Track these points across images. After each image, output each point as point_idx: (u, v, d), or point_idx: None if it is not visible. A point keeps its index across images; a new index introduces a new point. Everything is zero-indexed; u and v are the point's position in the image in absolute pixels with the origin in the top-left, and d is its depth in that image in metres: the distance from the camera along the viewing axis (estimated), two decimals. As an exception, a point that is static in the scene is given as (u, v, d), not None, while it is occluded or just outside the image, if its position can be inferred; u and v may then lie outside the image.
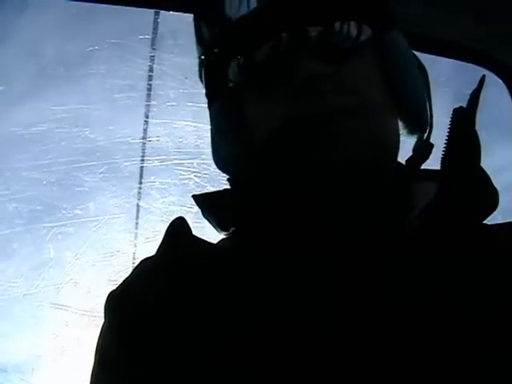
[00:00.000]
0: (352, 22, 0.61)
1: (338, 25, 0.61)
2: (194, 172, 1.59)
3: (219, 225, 0.67)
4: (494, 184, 0.64)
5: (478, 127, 0.63)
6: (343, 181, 0.58)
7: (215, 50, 0.66)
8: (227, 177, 0.71)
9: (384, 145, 0.62)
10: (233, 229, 0.65)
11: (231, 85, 0.66)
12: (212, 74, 0.68)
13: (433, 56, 1.25)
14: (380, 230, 0.59)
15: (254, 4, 0.61)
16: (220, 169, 0.71)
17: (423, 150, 0.67)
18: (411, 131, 0.67)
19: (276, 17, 0.60)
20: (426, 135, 0.67)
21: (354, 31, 0.62)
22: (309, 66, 0.59)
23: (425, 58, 0.69)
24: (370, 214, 0.59)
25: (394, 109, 0.64)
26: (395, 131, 0.65)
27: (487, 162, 0.64)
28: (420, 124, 0.67)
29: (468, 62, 1.33)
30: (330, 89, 0.59)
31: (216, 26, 0.65)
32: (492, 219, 0.65)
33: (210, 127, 0.71)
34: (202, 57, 0.69)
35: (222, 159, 0.70)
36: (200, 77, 0.71)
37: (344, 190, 0.58)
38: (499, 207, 0.63)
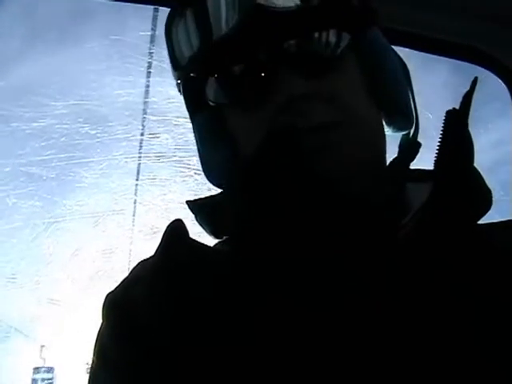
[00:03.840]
0: (325, 31, 0.61)
1: (312, 36, 0.61)
2: (194, 169, 1.59)
3: (212, 232, 0.67)
4: (488, 183, 0.64)
5: (476, 127, 0.64)
6: (331, 191, 0.58)
7: (193, 70, 0.66)
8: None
9: (370, 152, 0.62)
10: (226, 237, 0.66)
11: (211, 103, 0.66)
12: (190, 92, 0.68)
13: (432, 56, 1.25)
14: (374, 233, 0.59)
15: (230, 23, 0.60)
16: (209, 180, 0.71)
17: (410, 148, 0.67)
18: (396, 130, 0.67)
19: (252, 35, 0.60)
20: (412, 133, 0.67)
21: (331, 40, 0.61)
22: (289, 84, 0.59)
23: (424, 57, 0.69)
24: (364, 218, 0.59)
25: (378, 110, 0.64)
26: (380, 135, 0.65)
27: (486, 158, 0.64)
28: (404, 122, 0.67)
29: (467, 61, 1.33)
30: (313, 105, 0.59)
31: (194, 44, 0.64)
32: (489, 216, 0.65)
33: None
34: (178, 80, 0.69)
35: (208, 172, 0.70)
36: (179, 91, 0.71)
37: (336, 198, 0.59)
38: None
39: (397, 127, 0.66)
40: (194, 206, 0.68)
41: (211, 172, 0.69)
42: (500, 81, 1.35)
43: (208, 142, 0.68)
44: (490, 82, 1.32)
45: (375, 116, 0.64)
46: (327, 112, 0.59)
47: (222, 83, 0.63)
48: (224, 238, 0.66)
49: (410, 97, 0.67)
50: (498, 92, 1.34)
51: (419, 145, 0.67)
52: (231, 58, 0.61)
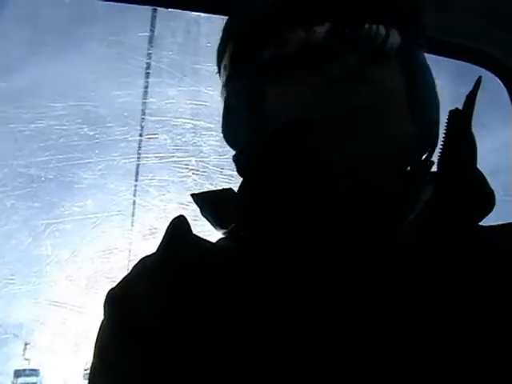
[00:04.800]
0: (391, 28, 0.62)
1: (376, 27, 0.61)
2: (192, 170, 1.59)
3: (218, 222, 0.67)
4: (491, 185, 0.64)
5: (476, 126, 0.63)
6: (350, 178, 0.59)
7: (251, 26, 0.65)
8: (225, 175, 0.71)
9: (397, 147, 0.62)
10: (232, 226, 0.65)
11: (259, 64, 0.64)
12: (243, 50, 0.66)
13: (431, 55, 1.25)
14: (377, 232, 0.59)
15: None
16: (229, 145, 0.70)
17: (423, 166, 0.67)
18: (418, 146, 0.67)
19: (320, 5, 0.61)
20: (427, 154, 0.67)
21: (392, 37, 0.62)
22: (344, 63, 0.60)
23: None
24: (369, 216, 0.59)
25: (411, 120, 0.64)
26: (406, 141, 0.65)
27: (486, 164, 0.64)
28: (428, 141, 0.67)
29: (468, 62, 1.33)
30: (358, 87, 0.60)
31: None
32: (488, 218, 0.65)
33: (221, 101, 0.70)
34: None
35: (233, 137, 0.69)
36: (221, 50, 0.69)
37: (347, 190, 0.58)
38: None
39: (420, 145, 0.67)
40: (199, 198, 0.68)
41: (234, 139, 0.69)
42: (500, 86, 1.35)
43: (239, 107, 0.67)
44: (492, 88, 1.32)
45: (408, 121, 0.64)
46: (370, 97, 0.60)
47: (279, 46, 0.63)
48: (227, 231, 0.66)
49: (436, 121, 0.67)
50: (500, 98, 1.34)
51: (432, 163, 0.67)
52: (292, 23, 0.62)
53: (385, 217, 0.60)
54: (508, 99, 1.37)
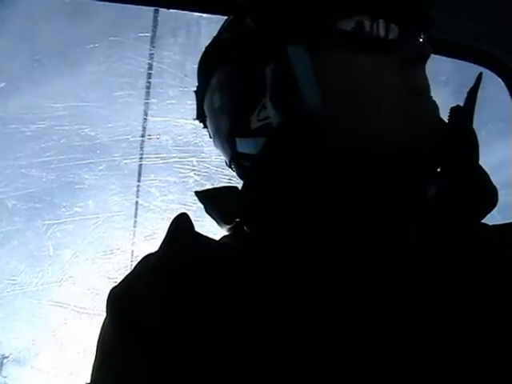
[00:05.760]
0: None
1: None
2: (194, 170, 1.59)
3: (222, 218, 0.67)
4: (493, 181, 0.64)
5: (477, 126, 0.63)
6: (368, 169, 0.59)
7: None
8: (227, 176, 0.71)
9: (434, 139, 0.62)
10: (236, 220, 0.65)
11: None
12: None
13: (433, 55, 1.25)
14: (385, 229, 0.59)
15: None
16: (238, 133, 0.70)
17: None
18: None
19: None
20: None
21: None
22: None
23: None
24: (375, 214, 0.59)
25: None
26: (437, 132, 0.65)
27: (486, 160, 0.64)
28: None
29: (468, 61, 1.33)
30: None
31: None
32: (491, 217, 0.65)
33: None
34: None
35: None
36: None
37: (354, 184, 0.58)
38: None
39: None
40: (203, 195, 0.68)
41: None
42: (500, 99, 1.36)
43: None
44: (490, 102, 1.33)
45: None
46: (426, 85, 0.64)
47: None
48: (231, 228, 0.66)
49: None
50: (499, 112, 1.34)
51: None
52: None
53: (393, 214, 0.60)
54: (508, 98, 1.37)
